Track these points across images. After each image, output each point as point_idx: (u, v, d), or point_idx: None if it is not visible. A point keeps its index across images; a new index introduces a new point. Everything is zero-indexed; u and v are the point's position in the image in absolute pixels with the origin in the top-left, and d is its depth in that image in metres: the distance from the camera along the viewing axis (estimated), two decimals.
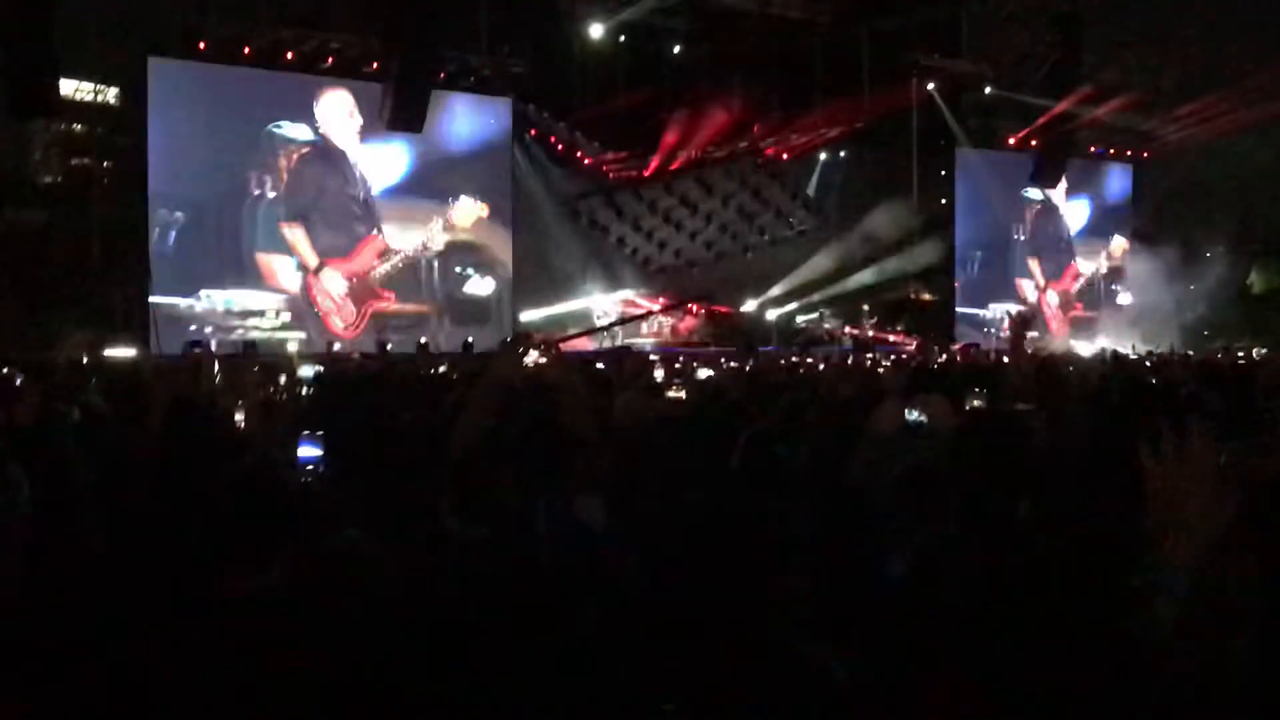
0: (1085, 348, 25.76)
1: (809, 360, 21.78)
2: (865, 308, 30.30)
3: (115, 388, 9.75)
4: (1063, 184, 33.57)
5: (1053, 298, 34.16)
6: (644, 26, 29.21)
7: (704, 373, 13.32)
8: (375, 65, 23.59)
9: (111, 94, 23.61)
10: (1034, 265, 33.52)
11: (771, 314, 29.99)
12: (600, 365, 14.81)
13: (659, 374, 12.69)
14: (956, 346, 25.68)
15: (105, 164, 23.80)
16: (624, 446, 5.69)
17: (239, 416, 6.10)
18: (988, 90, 32.01)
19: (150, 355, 20.57)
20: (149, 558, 3.75)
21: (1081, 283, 34.52)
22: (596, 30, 28.12)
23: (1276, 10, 27.86)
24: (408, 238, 25.19)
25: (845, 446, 5.02)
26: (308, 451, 5.47)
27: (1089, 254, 34.98)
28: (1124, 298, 34.82)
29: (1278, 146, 29.47)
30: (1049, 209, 33.87)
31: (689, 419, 6.80)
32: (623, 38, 29.04)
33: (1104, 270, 34.95)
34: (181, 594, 3.41)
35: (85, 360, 14.84)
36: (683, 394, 9.35)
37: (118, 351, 20.61)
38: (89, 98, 23.38)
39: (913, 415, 4.80)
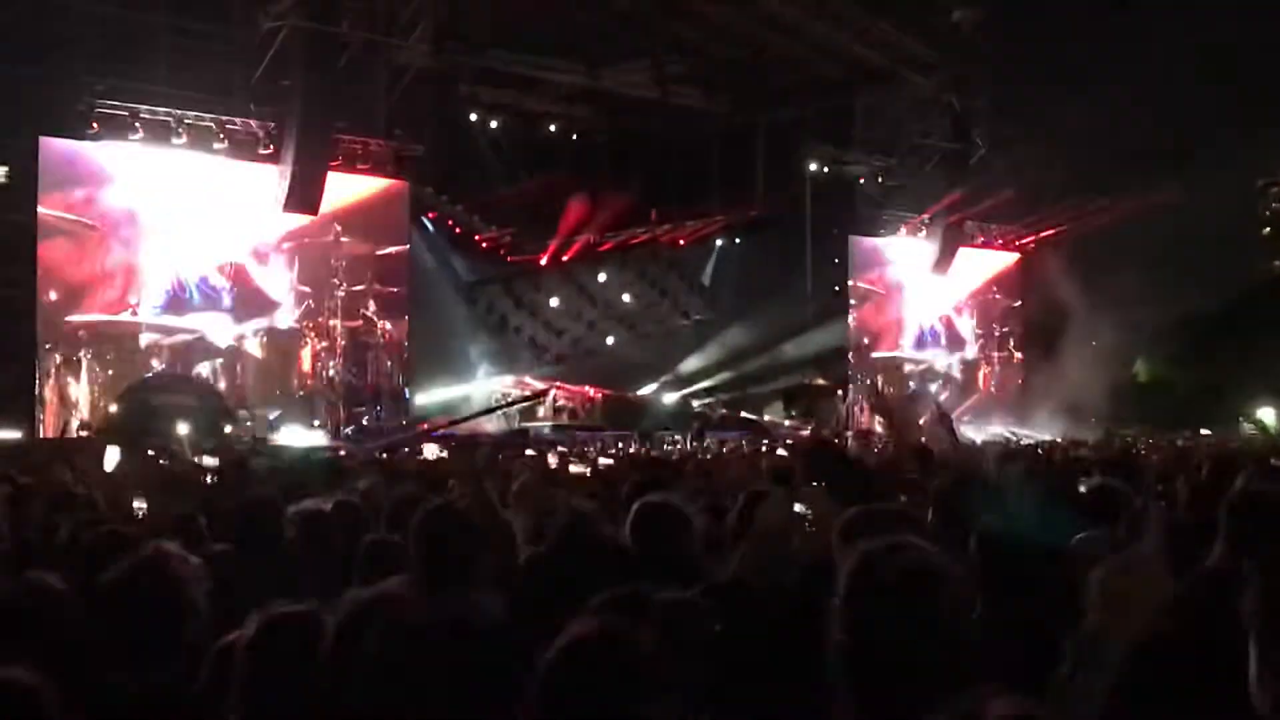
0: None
1: (704, 445, 22.03)
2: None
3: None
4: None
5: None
6: (545, 113, 29.48)
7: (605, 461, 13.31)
8: (271, 147, 23.42)
9: (1, 172, 23.24)
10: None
11: (667, 399, 30.10)
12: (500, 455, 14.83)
13: (553, 461, 12.72)
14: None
15: None
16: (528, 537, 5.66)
17: (138, 505, 5.99)
18: (880, 180, 32.63)
19: (38, 438, 20.19)
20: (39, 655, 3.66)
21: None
22: (498, 115, 28.30)
23: (1161, 108, 28.84)
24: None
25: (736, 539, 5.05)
26: None
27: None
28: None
29: (1158, 236, 30.33)
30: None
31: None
32: (523, 124, 29.26)
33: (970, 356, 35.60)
34: (71, 693, 3.35)
35: None
36: (586, 469, 9.35)
37: (3, 434, 20.20)
38: None
39: (798, 508, 4.86)
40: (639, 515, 4.83)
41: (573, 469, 10.92)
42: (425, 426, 24.31)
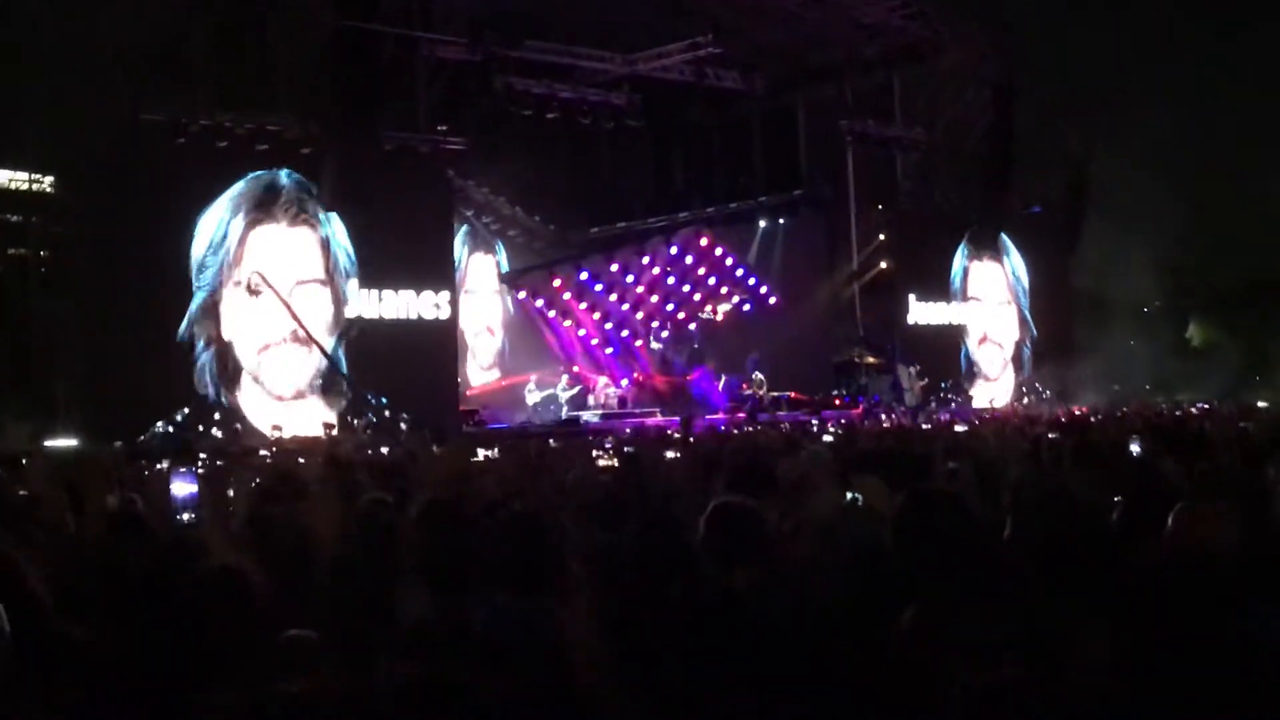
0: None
1: (753, 428, 21.91)
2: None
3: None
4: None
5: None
6: (582, 100, 29.40)
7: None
8: (313, 147, 23.36)
9: (48, 183, 23.46)
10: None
11: (718, 382, 30.02)
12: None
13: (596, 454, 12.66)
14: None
15: (43, 253, 23.63)
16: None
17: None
18: (923, 155, 32.30)
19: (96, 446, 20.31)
20: (117, 669, 3.68)
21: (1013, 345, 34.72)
22: (534, 106, 28.23)
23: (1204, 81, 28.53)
24: None
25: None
26: (182, 489, 5.37)
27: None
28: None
29: (1207, 202, 30.07)
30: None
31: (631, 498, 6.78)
32: (561, 114, 29.20)
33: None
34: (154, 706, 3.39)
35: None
36: (614, 462, 9.34)
37: (59, 442, 20.39)
38: (24, 187, 23.24)
39: (850, 496, 4.84)
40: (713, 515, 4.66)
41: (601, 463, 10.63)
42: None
